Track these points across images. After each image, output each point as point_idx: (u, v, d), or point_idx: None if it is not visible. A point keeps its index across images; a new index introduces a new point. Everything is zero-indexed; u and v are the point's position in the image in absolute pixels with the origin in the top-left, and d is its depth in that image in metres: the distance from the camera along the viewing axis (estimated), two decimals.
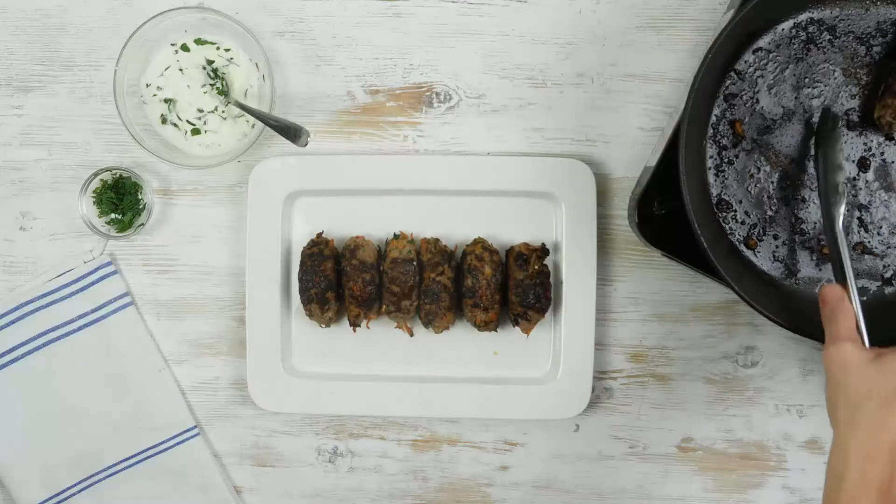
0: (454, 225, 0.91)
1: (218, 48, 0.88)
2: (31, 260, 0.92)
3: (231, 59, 0.88)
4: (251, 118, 0.88)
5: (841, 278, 0.76)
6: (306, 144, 0.85)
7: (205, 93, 0.88)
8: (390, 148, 0.92)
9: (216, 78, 0.88)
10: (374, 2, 0.90)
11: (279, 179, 0.90)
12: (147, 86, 0.88)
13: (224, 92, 0.88)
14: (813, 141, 0.82)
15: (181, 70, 0.88)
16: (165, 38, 0.88)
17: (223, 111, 0.88)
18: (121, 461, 0.92)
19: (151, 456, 0.92)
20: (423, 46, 0.91)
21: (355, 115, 0.91)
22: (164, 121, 0.88)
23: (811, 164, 0.82)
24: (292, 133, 0.84)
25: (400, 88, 0.91)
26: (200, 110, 0.88)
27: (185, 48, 0.88)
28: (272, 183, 0.90)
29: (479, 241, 0.90)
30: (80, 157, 0.92)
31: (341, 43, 0.91)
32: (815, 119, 0.82)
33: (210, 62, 0.88)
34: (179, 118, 0.88)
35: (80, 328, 0.91)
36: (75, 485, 0.92)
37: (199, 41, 0.88)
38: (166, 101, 0.88)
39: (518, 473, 0.94)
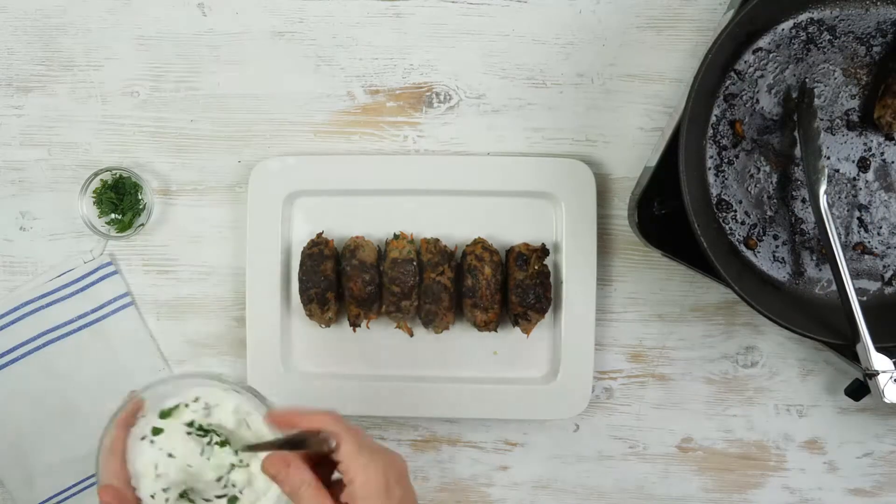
0: (454, 225, 0.91)
1: (186, 405, 0.71)
2: (31, 260, 0.92)
3: (206, 405, 0.71)
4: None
5: (833, 262, 0.77)
6: (333, 448, 0.64)
7: (209, 459, 0.70)
8: (390, 148, 0.92)
9: (207, 433, 0.70)
10: (374, 2, 0.90)
11: (279, 179, 0.90)
12: (153, 497, 0.68)
13: (226, 442, 0.70)
14: (795, 117, 0.82)
15: (170, 455, 0.69)
16: (134, 436, 0.69)
17: (240, 461, 0.70)
18: None
19: None
20: (423, 46, 0.91)
21: (355, 115, 0.91)
22: None
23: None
24: (315, 442, 0.64)
25: (400, 88, 0.91)
26: (220, 479, 0.70)
27: (156, 432, 0.69)
28: (272, 183, 0.90)
29: (479, 241, 0.90)
30: (80, 157, 0.92)
31: (341, 43, 0.91)
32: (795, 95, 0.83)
33: (190, 423, 0.70)
34: (207, 501, 0.70)
35: (80, 328, 0.91)
36: (75, 485, 0.92)
37: (163, 413, 0.70)
38: (182, 496, 0.70)
39: (518, 473, 0.94)
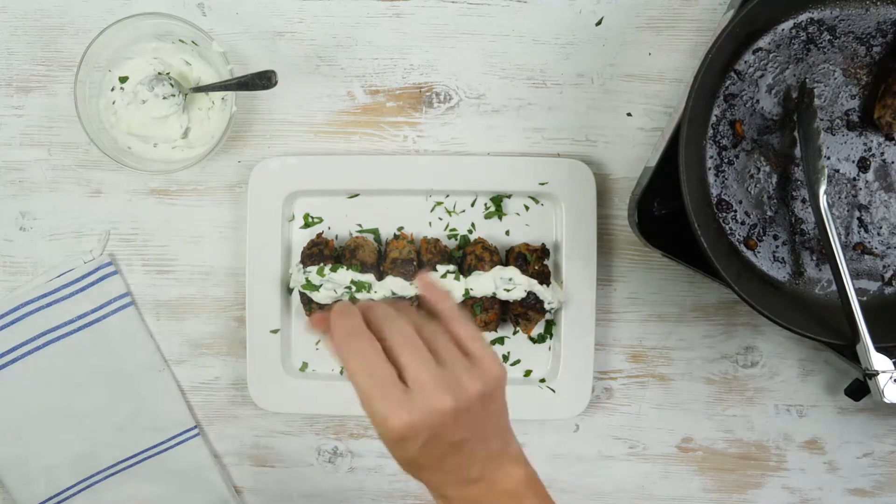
0: (454, 225, 0.91)
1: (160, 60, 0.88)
2: (31, 260, 0.92)
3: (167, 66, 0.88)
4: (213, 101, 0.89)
5: (833, 262, 0.77)
6: (276, 83, 0.83)
7: (164, 98, 0.87)
8: (390, 148, 0.92)
9: (162, 80, 0.87)
10: (374, 2, 0.90)
11: (279, 179, 0.90)
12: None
13: (176, 84, 0.88)
14: (795, 117, 0.82)
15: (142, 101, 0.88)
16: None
17: (180, 103, 0.88)
18: (121, 461, 0.92)
19: (152, 456, 0.92)
20: (423, 46, 0.91)
21: (355, 115, 0.91)
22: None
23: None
24: (262, 80, 0.83)
25: (400, 88, 0.91)
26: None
27: (123, 79, 0.88)
28: (272, 183, 0.90)
29: (479, 241, 0.90)
30: (81, 156, 0.92)
31: (341, 43, 0.91)
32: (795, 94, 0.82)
33: (162, 73, 0.88)
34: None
35: (80, 328, 0.91)
36: (75, 485, 0.92)
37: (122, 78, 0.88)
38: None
39: None
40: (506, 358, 0.92)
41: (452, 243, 0.91)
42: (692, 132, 0.79)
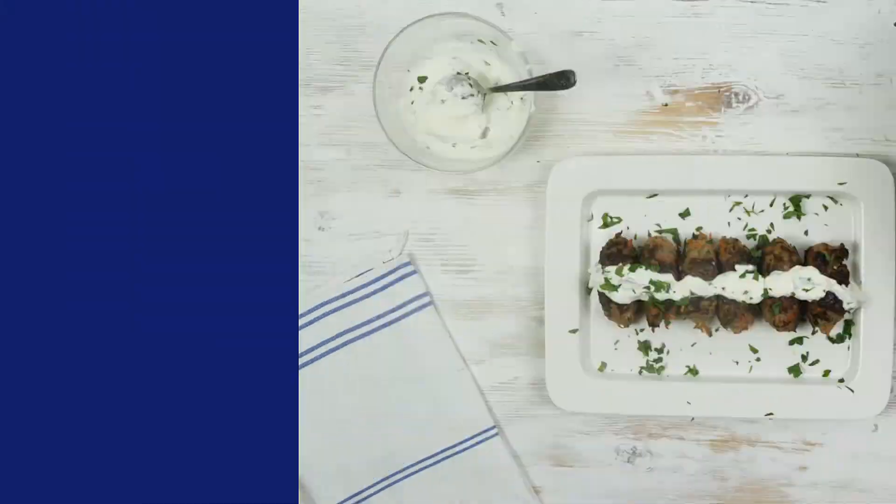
0: (753, 225, 0.91)
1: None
2: (330, 260, 0.92)
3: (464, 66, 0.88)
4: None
5: None
6: (575, 83, 0.82)
7: (463, 98, 0.87)
8: (689, 148, 0.92)
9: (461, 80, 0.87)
10: (674, 2, 0.90)
11: (577, 179, 0.90)
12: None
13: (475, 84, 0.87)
14: None
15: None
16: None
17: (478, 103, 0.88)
18: (420, 461, 0.92)
19: (451, 456, 0.92)
20: (722, 46, 0.91)
21: (654, 115, 0.91)
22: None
23: None
24: (561, 80, 0.82)
25: (699, 88, 0.91)
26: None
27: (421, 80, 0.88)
28: (570, 183, 0.90)
29: (778, 241, 0.90)
30: (380, 156, 0.92)
31: (640, 42, 0.91)
32: None
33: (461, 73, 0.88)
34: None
35: (379, 328, 0.91)
36: (373, 485, 0.92)
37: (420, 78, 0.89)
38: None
39: (817, 473, 0.93)
40: (804, 358, 0.92)
41: (751, 243, 0.91)
42: None
